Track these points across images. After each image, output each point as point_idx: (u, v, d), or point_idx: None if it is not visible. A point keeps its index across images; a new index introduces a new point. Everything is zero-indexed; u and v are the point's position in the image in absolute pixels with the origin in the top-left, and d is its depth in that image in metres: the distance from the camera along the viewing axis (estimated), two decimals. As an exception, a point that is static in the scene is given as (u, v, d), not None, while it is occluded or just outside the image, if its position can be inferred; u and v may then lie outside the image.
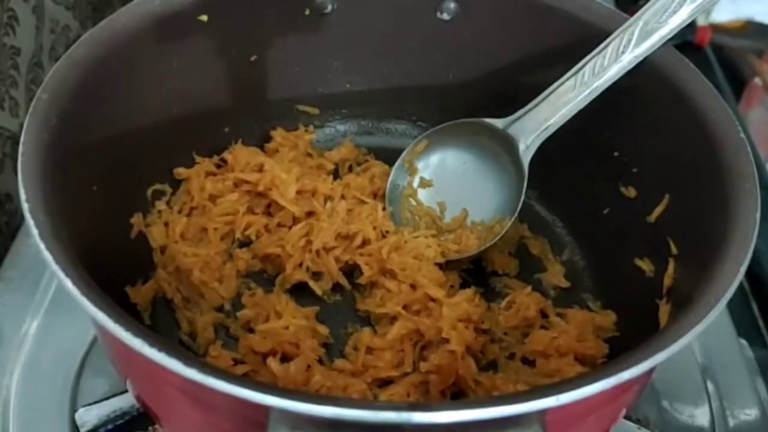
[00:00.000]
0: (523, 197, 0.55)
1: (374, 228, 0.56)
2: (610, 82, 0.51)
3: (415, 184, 0.60)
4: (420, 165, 0.60)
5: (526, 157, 0.55)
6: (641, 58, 0.50)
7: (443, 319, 0.50)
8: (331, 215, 0.56)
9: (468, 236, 0.57)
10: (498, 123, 0.56)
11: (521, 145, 0.55)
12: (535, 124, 0.54)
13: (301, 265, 0.55)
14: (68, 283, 0.35)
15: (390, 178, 0.60)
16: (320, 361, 0.50)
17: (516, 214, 0.56)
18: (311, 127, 0.65)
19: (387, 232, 0.57)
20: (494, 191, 0.57)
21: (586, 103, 0.52)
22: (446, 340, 0.49)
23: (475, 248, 0.56)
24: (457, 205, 0.59)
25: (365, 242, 0.56)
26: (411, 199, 0.60)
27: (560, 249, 0.60)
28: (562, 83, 0.52)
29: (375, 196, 0.60)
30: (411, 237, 0.56)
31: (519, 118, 0.55)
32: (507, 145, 0.55)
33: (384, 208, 0.58)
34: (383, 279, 0.54)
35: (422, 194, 0.60)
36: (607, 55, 0.51)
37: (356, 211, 0.57)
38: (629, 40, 0.50)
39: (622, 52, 0.50)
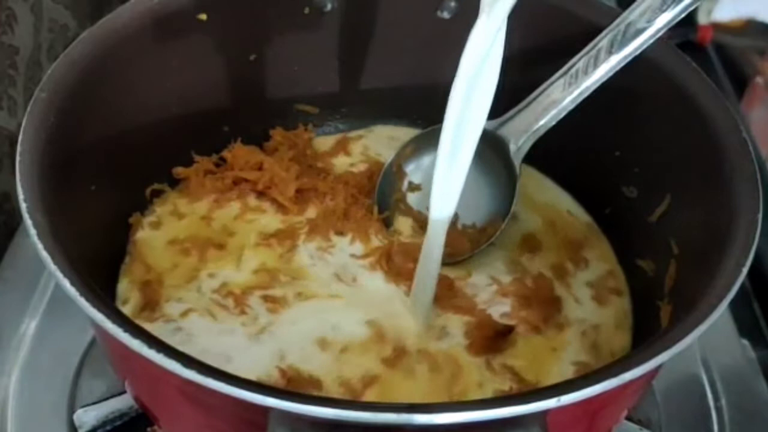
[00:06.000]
0: (516, 199, 0.55)
1: (367, 231, 0.56)
2: (600, 82, 0.50)
3: (404, 188, 0.59)
4: (409, 169, 0.59)
5: (517, 159, 0.54)
6: (630, 58, 0.49)
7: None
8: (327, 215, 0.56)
9: (460, 240, 0.56)
10: (487, 124, 0.55)
11: (512, 147, 0.54)
12: (525, 125, 0.53)
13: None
14: (66, 284, 0.35)
15: (378, 182, 0.59)
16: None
17: (510, 217, 0.55)
18: (310, 126, 0.65)
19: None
20: (486, 194, 0.56)
21: (576, 103, 0.51)
22: None
23: (468, 251, 0.55)
24: None
25: None
26: (400, 204, 0.59)
27: (561, 249, 0.59)
28: (552, 83, 0.52)
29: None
30: (403, 241, 0.55)
31: (509, 119, 0.54)
32: (497, 146, 0.54)
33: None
34: None
35: (411, 198, 0.59)
36: (596, 55, 0.50)
37: (352, 210, 0.57)
38: (618, 40, 0.49)
39: (611, 52, 0.49)
